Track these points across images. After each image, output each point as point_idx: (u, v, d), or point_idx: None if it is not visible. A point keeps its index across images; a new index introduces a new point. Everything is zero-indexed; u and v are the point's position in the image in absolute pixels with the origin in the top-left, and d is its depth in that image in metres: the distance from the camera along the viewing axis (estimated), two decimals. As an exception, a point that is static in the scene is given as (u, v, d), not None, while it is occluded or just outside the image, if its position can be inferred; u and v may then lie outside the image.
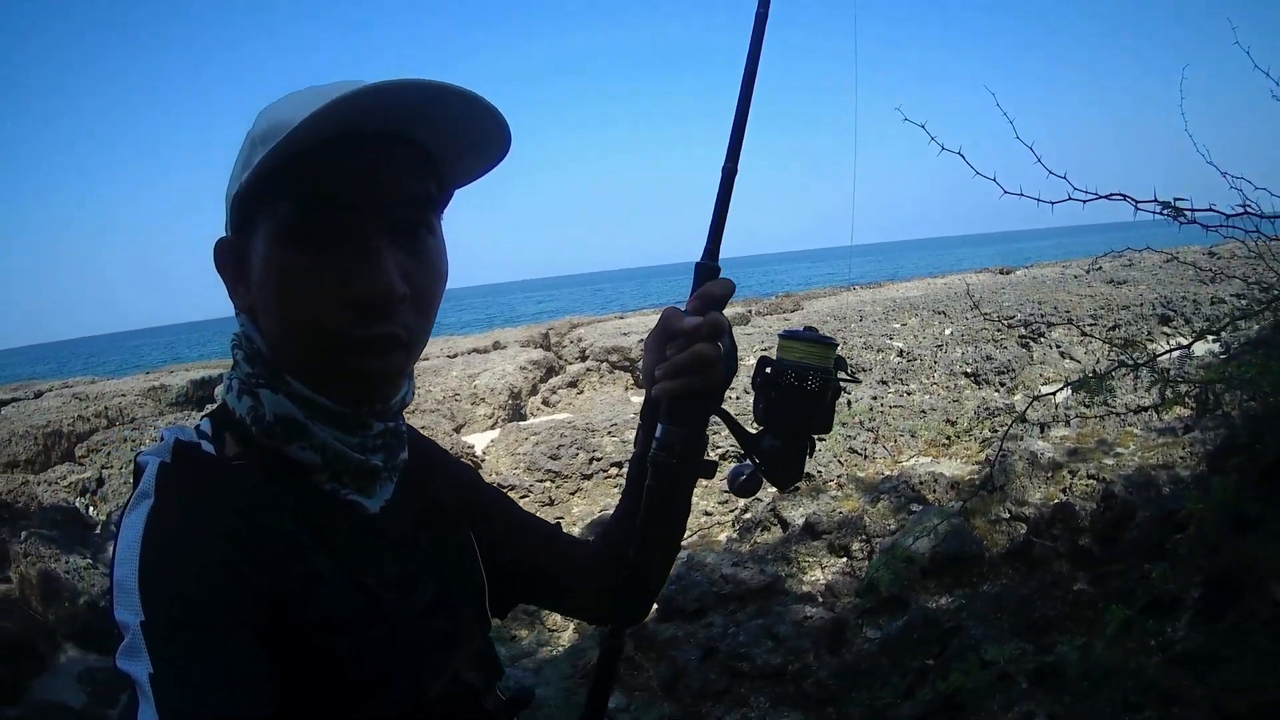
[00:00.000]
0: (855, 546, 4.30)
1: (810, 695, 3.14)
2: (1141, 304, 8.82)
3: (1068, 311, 8.65)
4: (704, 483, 0.85)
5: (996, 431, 5.81)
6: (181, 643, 0.52)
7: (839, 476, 5.59)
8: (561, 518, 6.24)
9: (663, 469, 0.81)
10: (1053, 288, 10.62)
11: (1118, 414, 5.37)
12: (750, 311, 13.53)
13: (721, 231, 0.83)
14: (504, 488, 6.06)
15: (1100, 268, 10.10)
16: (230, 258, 0.70)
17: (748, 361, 6.59)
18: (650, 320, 13.07)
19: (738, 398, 6.02)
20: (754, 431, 0.83)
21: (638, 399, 9.45)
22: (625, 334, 11.73)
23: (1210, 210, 2.11)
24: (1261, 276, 3.11)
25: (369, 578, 0.67)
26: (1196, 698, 2.08)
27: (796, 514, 4.80)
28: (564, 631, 4.49)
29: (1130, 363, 2.70)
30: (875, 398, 7.09)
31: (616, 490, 6.36)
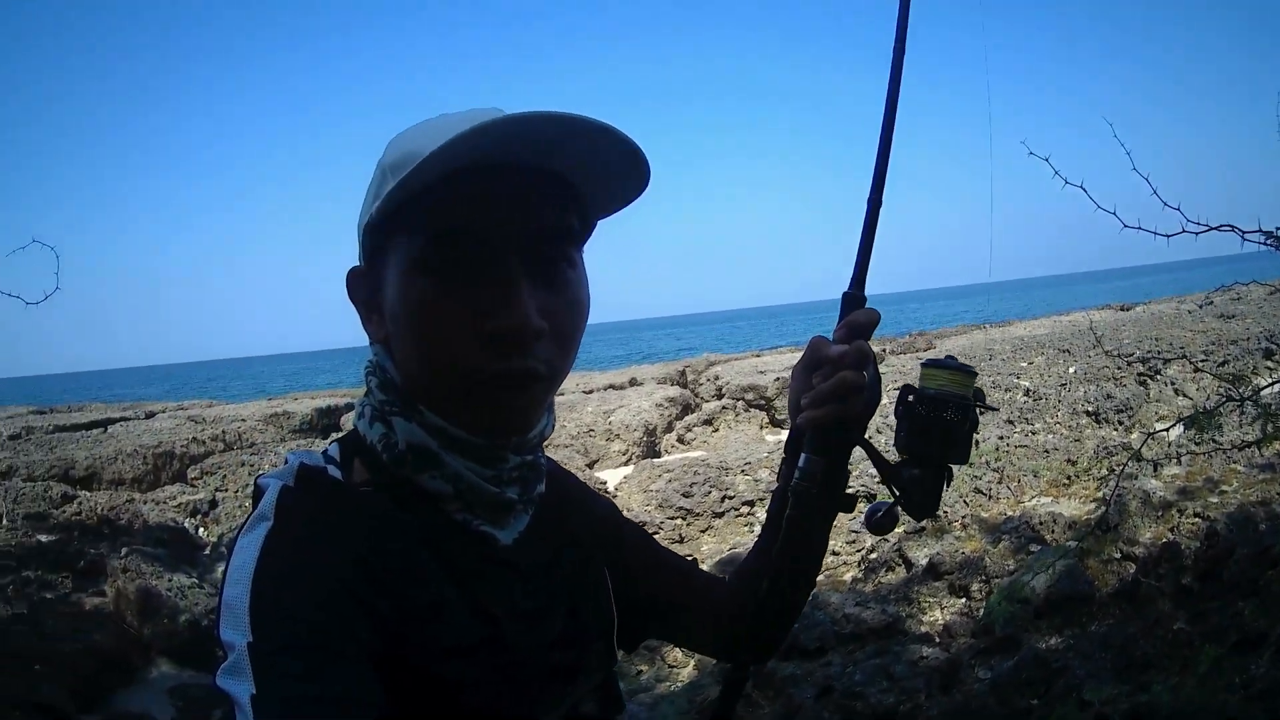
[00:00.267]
0: (975, 587, 4.38)
1: (917, 734, 3.17)
2: (1248, 338, 8.62)
3: (1182, 347, 8.54)
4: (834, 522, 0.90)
5: (1114, 471, 5.76)
6: (286, 665, 0.52)
7: (964, 517, 5.62)
8: (691, 555, 6.25)
9: (804, 498, 0.81)
10: (1169, 323, 10.47)
11: (1224, 450, 5.47)
12: (885, 351, 13.61)
13: (868, 262, 0.85)
14: (635, 523, 6.38)
15: (1212, 302, 10.03)
16: (363, 287, 0.70)
17: (887, 396, 6.77)
18: (787, 359, 13.66)
19: (878, 430, 6.20)
20: (894, 462, 0.84)
21: (773, 437, 9.64)
22: (762, 372, 11.82)
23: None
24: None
25: (497, 608, 0.67)
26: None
27: (921, 554, 4.90)
28: (684, 668, 4.48)
29: (1236, 397, 2.77)
30: (1002, 437, 7.05)
31: (747, 529, 6.72)
